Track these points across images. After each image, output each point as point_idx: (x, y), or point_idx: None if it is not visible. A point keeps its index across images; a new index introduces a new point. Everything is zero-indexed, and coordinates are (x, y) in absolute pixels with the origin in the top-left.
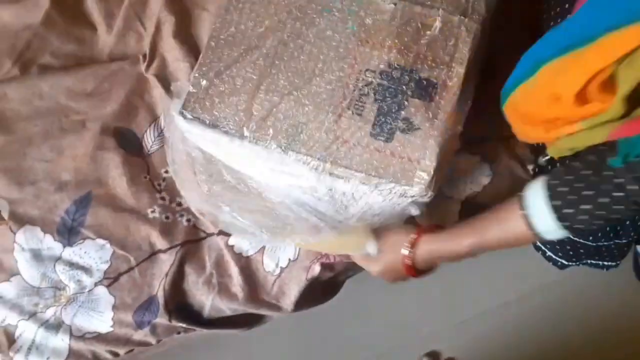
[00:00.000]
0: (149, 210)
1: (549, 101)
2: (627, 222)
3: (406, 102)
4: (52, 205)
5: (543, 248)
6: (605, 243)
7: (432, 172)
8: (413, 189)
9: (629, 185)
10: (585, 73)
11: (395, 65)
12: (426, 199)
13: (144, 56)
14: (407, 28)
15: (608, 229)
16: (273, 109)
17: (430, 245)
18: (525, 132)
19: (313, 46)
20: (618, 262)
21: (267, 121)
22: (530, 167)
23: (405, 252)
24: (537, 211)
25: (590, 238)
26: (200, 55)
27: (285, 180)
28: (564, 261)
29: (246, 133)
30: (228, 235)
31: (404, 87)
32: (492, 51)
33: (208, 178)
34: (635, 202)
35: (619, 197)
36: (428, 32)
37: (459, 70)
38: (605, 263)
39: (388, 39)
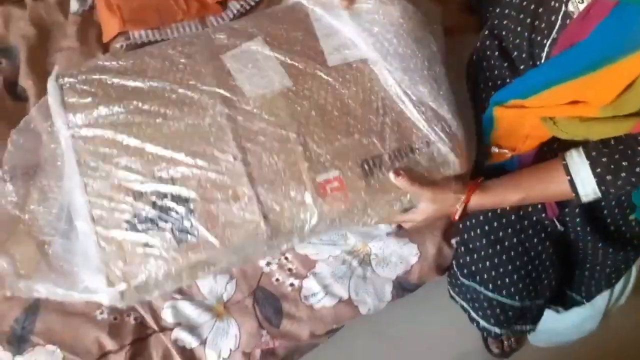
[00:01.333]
0: (97, 312)
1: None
2: (545, 282)
3: (162, 227)
4: (1, 315)
5: (477, 319)
6: (528, 303)
7: (126, 284)
8: (107, 291)
9: None
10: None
11: (189, 204)
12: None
13: None
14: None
15: (531, 287)
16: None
17: (480, 201)
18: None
19: None
20: (536, 325)
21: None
22: (453, 242)
23: (458, 208)
24: (582, 177)
25: (517, 297)
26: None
27: None
28: (496, 329)
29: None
30: (170, 329)
31: (173, 219)
32: None
33: None
34: None
35: None
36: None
37: (213, 241)
38: (528, 327)
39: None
